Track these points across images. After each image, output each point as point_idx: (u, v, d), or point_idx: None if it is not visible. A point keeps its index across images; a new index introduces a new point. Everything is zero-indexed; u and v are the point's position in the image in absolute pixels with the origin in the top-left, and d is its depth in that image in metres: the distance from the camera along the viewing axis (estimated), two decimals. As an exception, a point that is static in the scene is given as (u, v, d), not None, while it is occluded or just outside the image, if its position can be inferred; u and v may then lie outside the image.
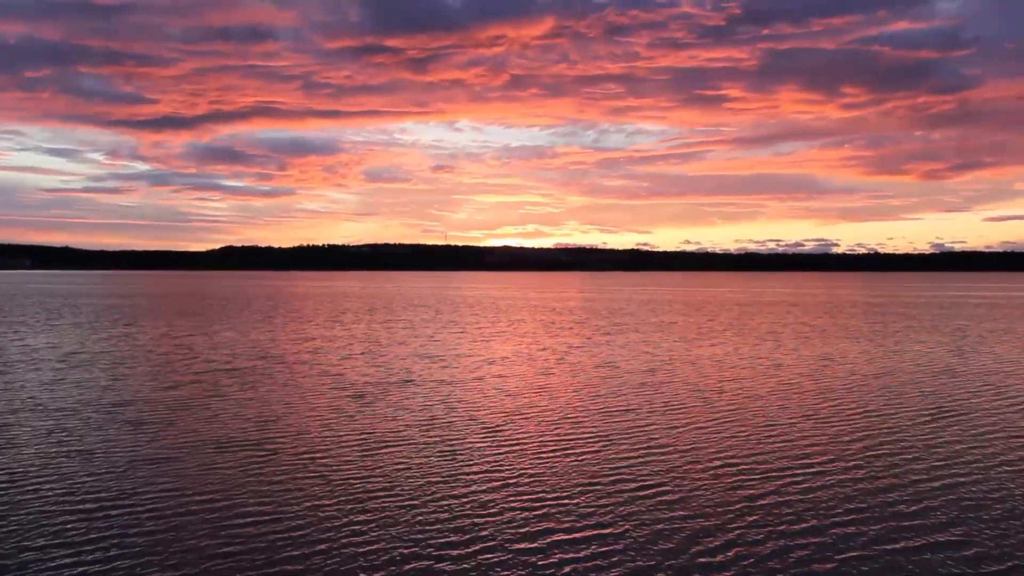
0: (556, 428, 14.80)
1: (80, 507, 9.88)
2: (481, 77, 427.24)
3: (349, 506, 10.01)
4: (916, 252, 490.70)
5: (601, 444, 13.47)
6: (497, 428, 14.79)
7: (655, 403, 17.54)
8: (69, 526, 9.18)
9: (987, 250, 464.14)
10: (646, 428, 14.82)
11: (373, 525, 9.31)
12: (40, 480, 11.06)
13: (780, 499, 10.37)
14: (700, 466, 12.05)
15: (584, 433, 14.35)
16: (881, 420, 15.74)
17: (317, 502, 10.17)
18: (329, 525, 9.30)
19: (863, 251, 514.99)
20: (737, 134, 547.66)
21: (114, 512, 9.70)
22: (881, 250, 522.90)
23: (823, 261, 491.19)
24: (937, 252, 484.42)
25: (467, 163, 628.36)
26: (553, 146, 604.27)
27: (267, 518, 9.54)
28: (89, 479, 11.14)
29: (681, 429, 14.75)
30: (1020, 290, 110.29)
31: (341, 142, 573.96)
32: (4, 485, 10.81)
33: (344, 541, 8.78)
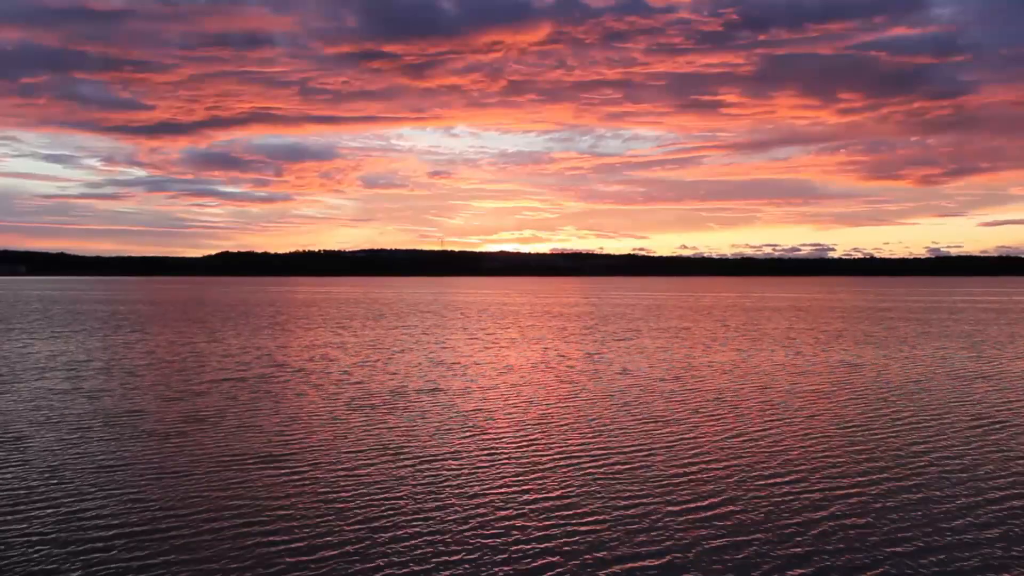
0: (591, 438, 14.34)
1: (92, 521, 9.43)
2: (478, 83, 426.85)
3: (374, 523, 9.55)
4: (912, 257, 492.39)
5: (643, 454, 13.02)
6: (528, 439, 14.33)
7: (686, 411, 17.10)
8: (80, 540, 8.73)
9: (983, 255, 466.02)
10: (682, 438, 14.38)
11: (404, 546, 8.85)
12: (52, 494, 10.58)
13: (844, 510, 9.94)
14: (747, 477, 11.61)
15: (620, 443, 13.89)
16: (922, 427, 15.32)
17: (339, 519, 9.71)
18: (353, 547, 8.83)
19: (859, 256, 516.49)
20: (734, 139, 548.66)
21: (128, 527, 9.25)
22: (877, 255, 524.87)
23: (820, 266, 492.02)
24: (933, 257, 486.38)
25: (464, 169, 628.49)
26: (550, 151, 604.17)
27: (289, 534, 9.09)
28: (102, 492, 10.68)
29: (718, 438, 14.32)
30: (1021, 295, 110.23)
31: (338, 148, 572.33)
32: (15, 497, 10.34)
33: (375, 563, 8.33)
